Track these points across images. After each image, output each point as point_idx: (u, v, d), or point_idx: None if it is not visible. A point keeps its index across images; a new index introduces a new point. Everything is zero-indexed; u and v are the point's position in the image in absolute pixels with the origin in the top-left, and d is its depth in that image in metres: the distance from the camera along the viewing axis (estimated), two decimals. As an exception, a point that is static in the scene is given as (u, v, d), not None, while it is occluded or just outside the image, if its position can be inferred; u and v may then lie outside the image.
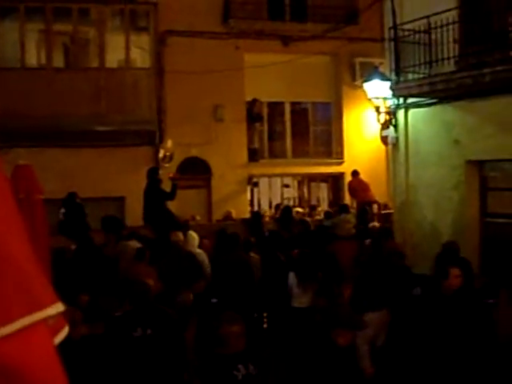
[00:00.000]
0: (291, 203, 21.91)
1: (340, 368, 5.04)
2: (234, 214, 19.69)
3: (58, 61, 20.79)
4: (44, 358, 1.44)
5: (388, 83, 14.80)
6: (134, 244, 11.85)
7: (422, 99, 14.22)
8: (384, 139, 15.73)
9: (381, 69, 15.97)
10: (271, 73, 21.29)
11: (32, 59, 20.50)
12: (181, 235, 12.14)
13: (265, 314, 11.18)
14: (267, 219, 18.99)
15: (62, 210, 15.70)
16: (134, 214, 15.91)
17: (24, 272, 1.46)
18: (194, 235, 12.60)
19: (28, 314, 1.42)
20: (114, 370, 6.81)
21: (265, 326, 11.15)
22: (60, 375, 1.47)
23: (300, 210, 20.79)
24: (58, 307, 1.48)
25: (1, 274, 1.42)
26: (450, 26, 12.83)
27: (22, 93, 18.85)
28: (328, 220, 17.72)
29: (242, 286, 10.61)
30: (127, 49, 20.61)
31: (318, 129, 23.48)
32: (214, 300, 10.55)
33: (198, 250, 12.19)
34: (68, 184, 16.76)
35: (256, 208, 21.38)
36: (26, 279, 1.46)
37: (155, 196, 13.88)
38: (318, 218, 19.97)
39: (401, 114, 15.03)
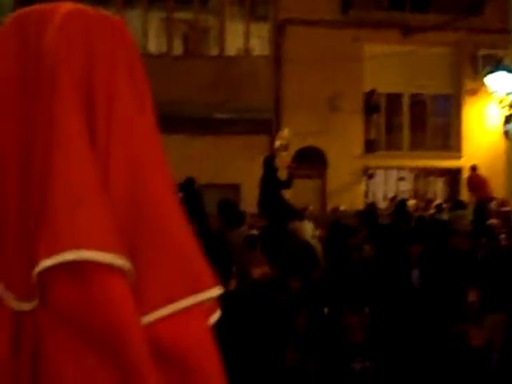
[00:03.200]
0: (406, 196, 21.57)
1: (471, 369, 4.90)
2: (343, 208, 19.54)
3: (178, 48, 21.14)
4: (202, 340, 1.43)
5: (513, 76, 14.37)
6: (247, 230, 11.90)
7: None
8: (506, 133, 15.29)
9: (506, 61, 15.51)
10: (390, 63, 21.02)
11: (152, 47, 20.90)
12: (297, 224, 12.12)
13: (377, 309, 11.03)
14: (381, 212, 18.76)
15: (180, 195, 15.92)
16: (249, 201, 16.01)
17: (186, 248, 1.44)
18: (309, 225, 12.55)
19: (190, 294, 1.40)
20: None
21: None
22: (217, 358, 1.44)
23: (414, 203, 20.45)
24: (219, 289, 1.46)
25: (164, 251, 1.40)
26: None
27: (143, 79, 19.24)
28: (440, 214, 17.33)
29: (353, 278, 10.49)
30: (247, 37, 20.74)
31: (436, 121, 23.04)
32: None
33: (313, 241, 12.13)
34: (185, 170, 17.01)
35: (371, 200, 21.16)
36: (189, 256, 1.44)
37: (271, 184, 13.91)
38: (432, 212, 19.60)
39: (526, 108, 14.56)
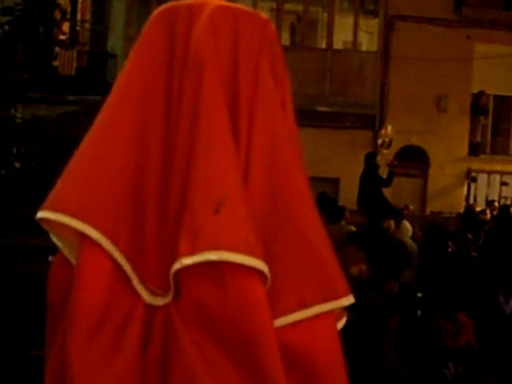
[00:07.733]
0: (508, 202, 20.98)
1: None
2: (437, 210, 19.17)
3: (285, 40, 21.13)
4: (330, 347, 1.43)
5: None
6: (346, 226, 11.81)
7: None
8: None
9: None
10: (501, 65, 20.42)
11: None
12: (393, 223, 11.94)
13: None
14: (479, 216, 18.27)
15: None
16: (348, 196, 15.91)
17: (322, 254, 1.44)
18: (407, 225, 12.36)
19: (324, 301, 1.40)
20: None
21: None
22: (343, 365, 1.45)
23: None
24: (350, 299, 1.46)
25: (301, 256, 1.40)
26: None
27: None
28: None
29: (448, 283, 10.29)
30: (355, 31, 20.57)
31: (545, 127, 22.36)
32: (420, 294, 10.33)
33: (410, 241, 11.95)
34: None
35: (472, 204, 20.66)
36: (324, 263, 1.44)
37: (371, 181, 13.78)
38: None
39: None
